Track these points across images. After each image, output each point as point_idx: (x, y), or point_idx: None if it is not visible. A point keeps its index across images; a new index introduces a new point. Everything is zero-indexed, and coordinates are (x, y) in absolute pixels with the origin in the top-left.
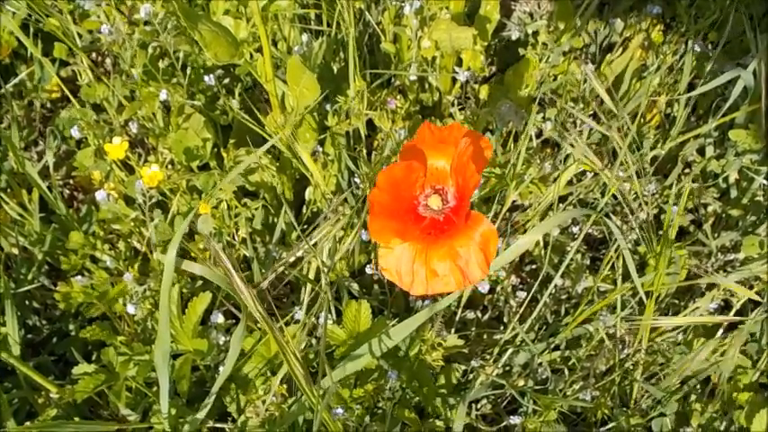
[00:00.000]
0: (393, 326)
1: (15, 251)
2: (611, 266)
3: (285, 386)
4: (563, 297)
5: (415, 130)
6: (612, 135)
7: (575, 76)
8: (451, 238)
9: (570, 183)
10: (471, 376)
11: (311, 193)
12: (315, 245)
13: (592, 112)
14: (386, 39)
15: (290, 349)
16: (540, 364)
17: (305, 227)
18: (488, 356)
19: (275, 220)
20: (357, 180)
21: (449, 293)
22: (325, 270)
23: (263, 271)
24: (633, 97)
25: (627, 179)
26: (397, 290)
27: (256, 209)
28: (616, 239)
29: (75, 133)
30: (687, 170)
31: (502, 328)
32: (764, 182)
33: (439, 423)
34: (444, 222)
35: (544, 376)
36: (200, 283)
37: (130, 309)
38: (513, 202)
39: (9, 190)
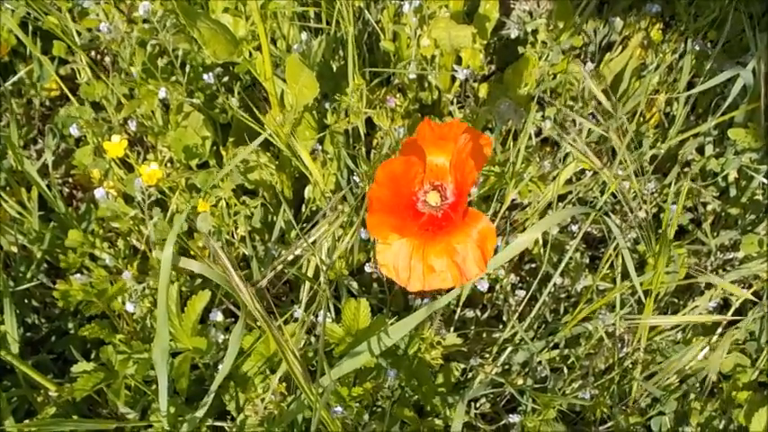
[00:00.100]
0: (392, 324)
1: (14, 249)
2: (611, 265)
3: (284, 384)
4: (562, 296)
5: (415, 129)
6: (611, 135)
7: (574, 75)
8: (449, 234)
9: (569, 181)
10: (470, 375)
11: (310, 191)
12: (314, 243)
13: (592, 111)
14: (385, 37)
15: (289, 347)
16: (540, 362)
17: (304, 225)
18: (487, 355)
19: (274, 218)
20: (356, 178)
21: (447, 291)
22: (324, 268)
23: (262, 269)
24: (632, 96)
25: (626, 178)
26: (397, 288)
27: (255, 207)
28: (615, 238)
29: (74, 131)
30: (686, 169)
31: (501, 326)
32: (764, 180)
33: (438, 421)
34: (442, 219)
35: (543, 375)
36: (199, 281)
37: (129, 307)
38: (513, 200)
39: (8, 188)
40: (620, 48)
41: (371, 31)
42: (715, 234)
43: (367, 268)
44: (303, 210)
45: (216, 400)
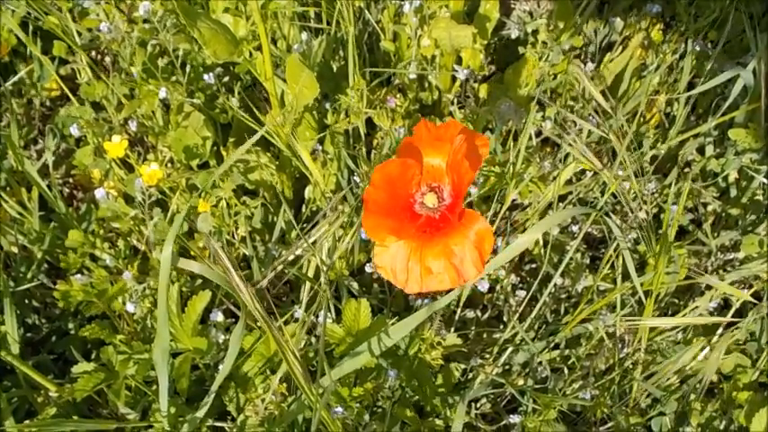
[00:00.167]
0: (392, 324)
1: (15, 249)
2: (611, 265)
3: (284, 385)
4: (563, 296)
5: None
6: (610, 136)
7: (574, 75)
8: (447, 236)
9: (570, 182)
10: (471, 375)
11: (311, 191)
12: (314, 243)
13: (593, 111)
14: (385, 37)
15: (290, 348)
16: (540, 362)
17: (304, 225)
18: (488, 355)
19: (275, 218)
20: (356, 179)
21: (447, 292)
22: (325, 268)
23: (263, 269)
24: (633, 96)
25: (626, 178)
26: (397, 289)
27: (256, 207)
28: (616, 238)
29: (74, 131)
30: (687, 169)
31: (501, 326)
32: (764, 180)
33: (438, 422)
34: (440, 220)
35: (544, 375)
36: (199, 281)
37: (130, 307)
38: (513, 200)
39: (8, 188)
40: (621, 48)
41: (372, 31)
42: (715, 234)
43: (367, 268)
44: (303, 210)
45: (216, 401)
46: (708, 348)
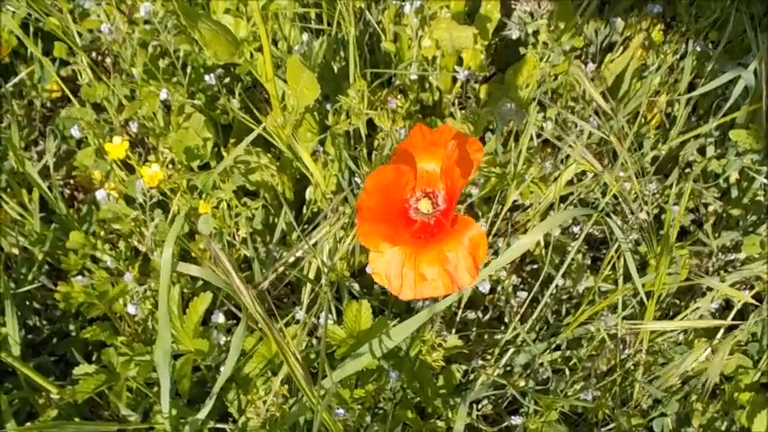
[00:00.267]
0: (394, 326)
1: (15, 251)
2: (612, 266)
3: (286, 386)
4: (564, 297)
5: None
6: (610, 138)
7: (575, 76)
8: (441, 242)
9: (571, 182)
10: (472, 376)
11: (311, 192)
12: (315, 245)
13: (594, 112)
14: (386, 38)
15: (291, 350)
16: (541, 364)
17: (305, 227)
18: (489, 357)
19: (275, 219)
20: (358, 180)
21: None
22: (326, 270)
23: (264, 271)
24: (633, 97)
25: (627, 179)
26: None
27: (257, 209)
28: (617, 239)
29: (75, 133)
30: (688, 170)
31: (503, 328)
32: (765, 181)
33: (440, 423)
34: (435, 226)
35: (545, 376)
36: (200, 282)
37: (131, 309)
38: (514, 201)
39: (9, 190)
40: (622, 48)
41: (372, 32)
42: (716, 235)
43: (368, 270)
44: (304, 211)
45: (218, 402)
46: (709, 350)
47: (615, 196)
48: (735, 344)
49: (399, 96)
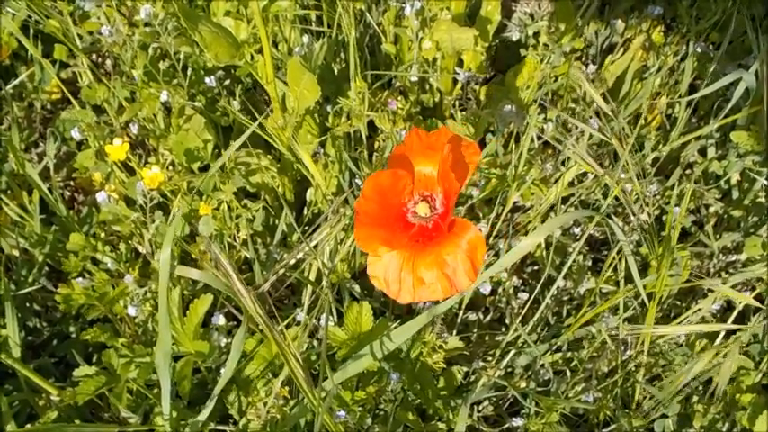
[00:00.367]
0: (394, 328)
1: (16, 253)
2: (614, 268)
3: (287, 388)
4: (565, 298)
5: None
6: (611, 140)
7: (575, 77)
8: (439, 245)
9: (571, 183)
10: (473, 378)
11: (312, 194)
12: (316, 246)
13: (594, 113)
14: (387, 40)
15: (291, 351)
16: (542, 365)
17: (306, 228)
18: (490, 358)
19: (276, 221)
20: (358, 181)
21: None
22: (327, 272)
23: (264, 272)
24: (634, 98)
25: (628, 180)
26: None
27: (257, 210)
28: (618, 241)
29: (75, 135)
30: (689, 171)
31: (504, 329)
32: (766, 183)
33: (441, 425)
34: (433, 229)
35: (546, 378)
36: (201, 284)
37: (131, 310)
38: (515, 203)
39: (9, 191)
40: (622, 50)
41: (373, 33)
42: (717, 236)
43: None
44: (305, 213)
45: (218, 404)
46: (711, 354)
47: (616, 198)
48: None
49: (400, 98)
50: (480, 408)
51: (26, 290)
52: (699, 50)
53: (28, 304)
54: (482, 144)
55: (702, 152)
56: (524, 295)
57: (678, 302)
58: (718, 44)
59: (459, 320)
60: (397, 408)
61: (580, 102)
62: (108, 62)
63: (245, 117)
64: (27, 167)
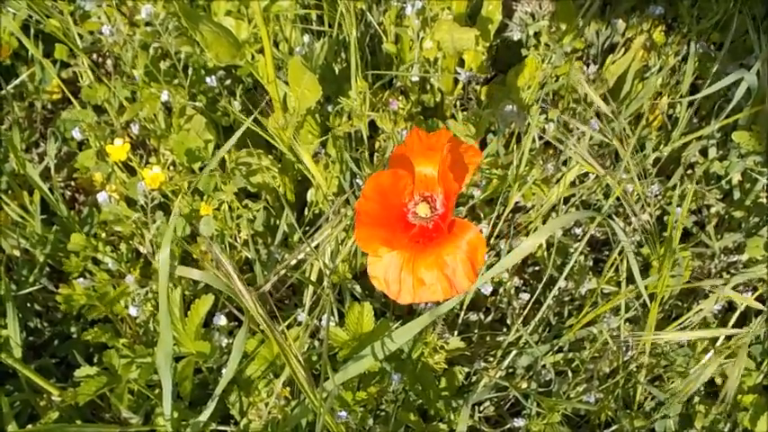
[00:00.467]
0: (396, 328)
1: (17, 253)
2: (615, 268)
3: (288, 389)
4: (566, 299)
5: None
6: (612, 141)
7: (577, 77)
8: (439, 246)
9: (573, 184)
10: (474, 378)
11: (313, 194)
12: (317, 247)
13: (595, 114)
14: (387, 39)
15: (293, 352)
16: (544, 366)
17: (307, 228)
18: (491, 359)
19: (277, 221)
20: (359, 181)
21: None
22: (328, 272)
23: (266, 273)
24: (635, 98)
25: (629, 181)
26: None
27: (258, 210)
28: (619, 241)
29: (76, 135)
30: (690, 172)
31: (505, 330)
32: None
33: (442, 426)
34: (433, 230)
35: (548, 378)
36: (202, 285)
37: (132, 311)
38: (516, 203)
39: (10, 192)
40: (623, 50)
41: (374, 33)
42: (719, 237)
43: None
44: (306, 213)
45: (219, 405)
46: (712, 352)
47: (617, 198)
48: (737, 346)
49: (401, 98)
50: (482, 408)
51: (27, 290)
52: (700, 50)
53: (29, 305)
54: (483, 144)
55: (704, 152)
56: (526, 296)
57: (680, 303)
58: (719, 44)
59: (460, 321)
60: (399, 408)
61: (581, 102)
62: (109, 62)
63: (245, 117)
64: (28, 167)
